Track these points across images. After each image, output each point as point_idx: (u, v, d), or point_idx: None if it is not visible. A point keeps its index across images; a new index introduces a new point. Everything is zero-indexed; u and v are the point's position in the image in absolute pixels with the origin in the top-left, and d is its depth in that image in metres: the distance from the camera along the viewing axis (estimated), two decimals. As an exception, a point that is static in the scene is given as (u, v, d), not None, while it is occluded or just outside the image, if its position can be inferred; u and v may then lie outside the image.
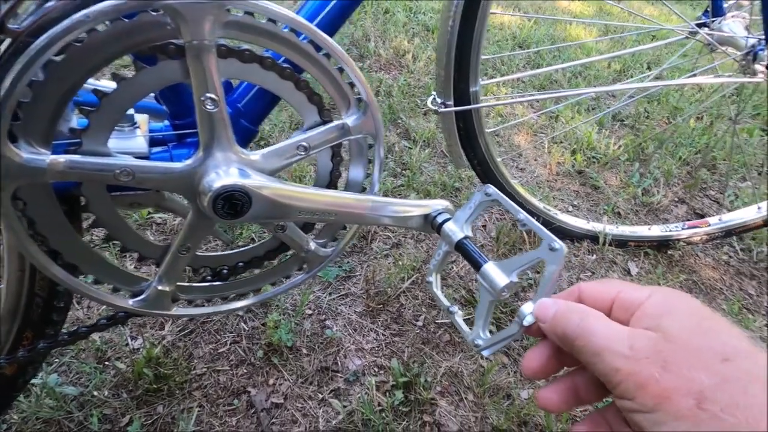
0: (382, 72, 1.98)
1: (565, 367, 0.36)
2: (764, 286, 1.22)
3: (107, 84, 0.45)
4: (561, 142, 1.67)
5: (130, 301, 0.53)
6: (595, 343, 0.30)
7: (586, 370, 0.33)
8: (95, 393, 0.79)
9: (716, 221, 1.24)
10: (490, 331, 0.54)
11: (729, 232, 1.24)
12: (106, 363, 0.84)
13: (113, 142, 0.47)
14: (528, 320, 0.52)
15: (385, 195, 1.26)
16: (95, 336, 0.88)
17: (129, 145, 0.48)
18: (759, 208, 1.21)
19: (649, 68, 2.27)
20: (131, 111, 0.49)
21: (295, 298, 1.01)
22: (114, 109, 0.43)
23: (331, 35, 0.53)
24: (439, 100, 0.96)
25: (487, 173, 1.09)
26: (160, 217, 1.15)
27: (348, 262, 1.11)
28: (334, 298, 1.03)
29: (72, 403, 0.78)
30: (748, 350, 0.27)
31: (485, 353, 0.52)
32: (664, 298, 0.31)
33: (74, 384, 0.81)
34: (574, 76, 2.14)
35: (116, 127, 0.48)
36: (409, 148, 1.52)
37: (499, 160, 1.08)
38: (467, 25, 0.85)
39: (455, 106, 0.96)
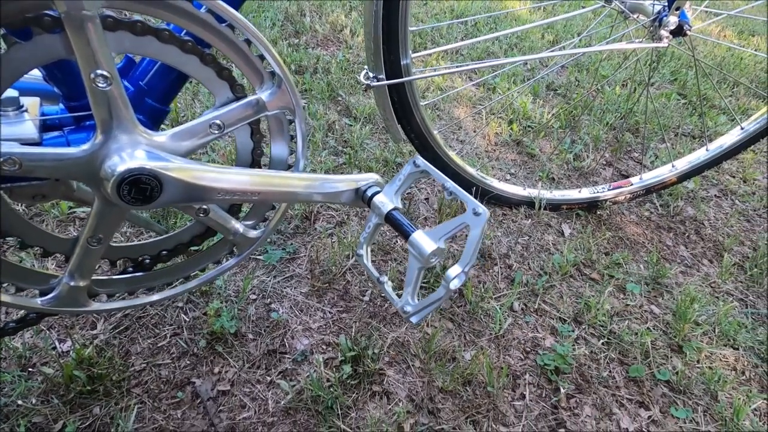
0: (320, 48, 1.93)
1: None
2: (680, 238, 1.33)
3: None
4: (498, 113, 1.72)
5: (39, 300, 0.50)
6: None
7: None
8: (20, 402, 0.74)
9: (637, 180, 1.34)
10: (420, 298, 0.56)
11: (649, 190, 1.35)
12: (31, 370, 0.79)
13: (-6, 129, 0.43)
14: (454, 284, 0.54)
15: (327, 173, 1.25)
16: (17, 343, 0.82)
17: (15, 131, 0.44)
18: (673, 166, 1.32)
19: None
20: (13, 93, 0.44)
21: (237, 284, 0.99)
22: (-14, 90, 0.39)
23: (236, 7, 0.50)
24: (371, 74, 0.95)
25: (424, 146, 1.10)
26: (83, 212, 1.07)
27: (291, 243, 1.10)
28: (278, 281, 1.02)
29: (-5, 416, 0.73)
30: None
31: (414, 319, 0.53)
32: None
33: (-5, 395, 0.75)
34: (510, 48, 2.19)
35: (-3, 112, 0.44)
36: (350, 125, 1.50)
37: (435, 132, 1.09)
38: (392, -4, 0.84)
39: (387, 79, 0.95)
